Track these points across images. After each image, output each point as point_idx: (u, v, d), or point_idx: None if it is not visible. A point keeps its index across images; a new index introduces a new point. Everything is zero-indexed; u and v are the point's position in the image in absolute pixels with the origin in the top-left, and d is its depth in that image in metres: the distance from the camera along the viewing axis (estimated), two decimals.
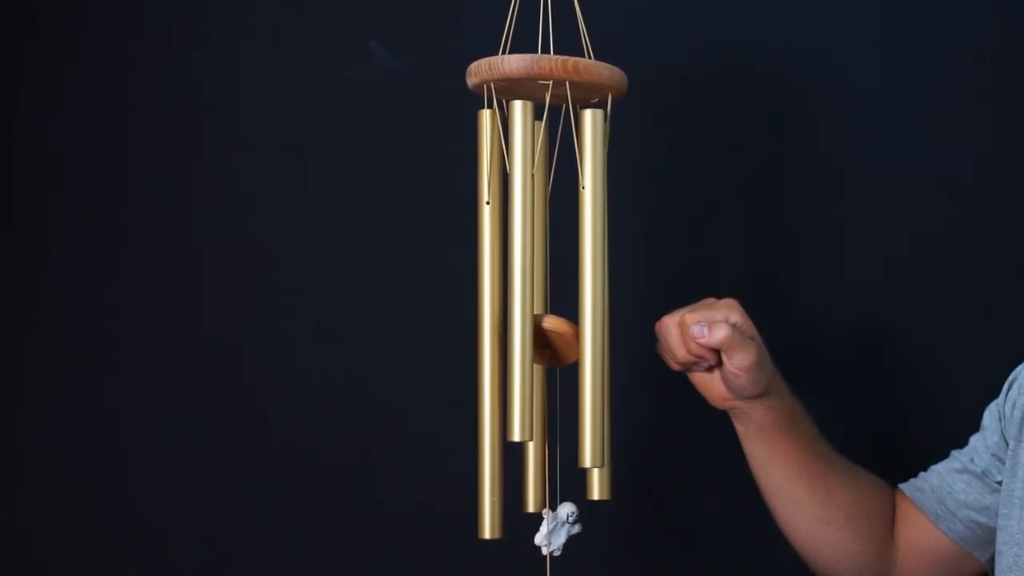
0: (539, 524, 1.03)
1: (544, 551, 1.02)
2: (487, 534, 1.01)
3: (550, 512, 1.03)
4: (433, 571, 1.39)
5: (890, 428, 1.37)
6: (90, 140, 1.42)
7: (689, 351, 1.06)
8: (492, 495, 1.00)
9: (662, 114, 1.38)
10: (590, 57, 1.00)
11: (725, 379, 1.08)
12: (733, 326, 1.04)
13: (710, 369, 1.10)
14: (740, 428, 1.13)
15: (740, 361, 1.04)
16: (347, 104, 1.41)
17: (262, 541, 1.40)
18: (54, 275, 1.42)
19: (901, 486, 1.17)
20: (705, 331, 1.04)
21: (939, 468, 1.15)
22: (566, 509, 1.04)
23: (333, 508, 1.39)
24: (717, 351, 1.06)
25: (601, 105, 1.00)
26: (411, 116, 1.40)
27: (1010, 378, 1.10)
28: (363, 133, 1.41)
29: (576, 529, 1.04)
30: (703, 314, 1.05)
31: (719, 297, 1.08)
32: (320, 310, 1.40)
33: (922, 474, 1.16)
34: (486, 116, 1.01)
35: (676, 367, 1.10)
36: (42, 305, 1.42)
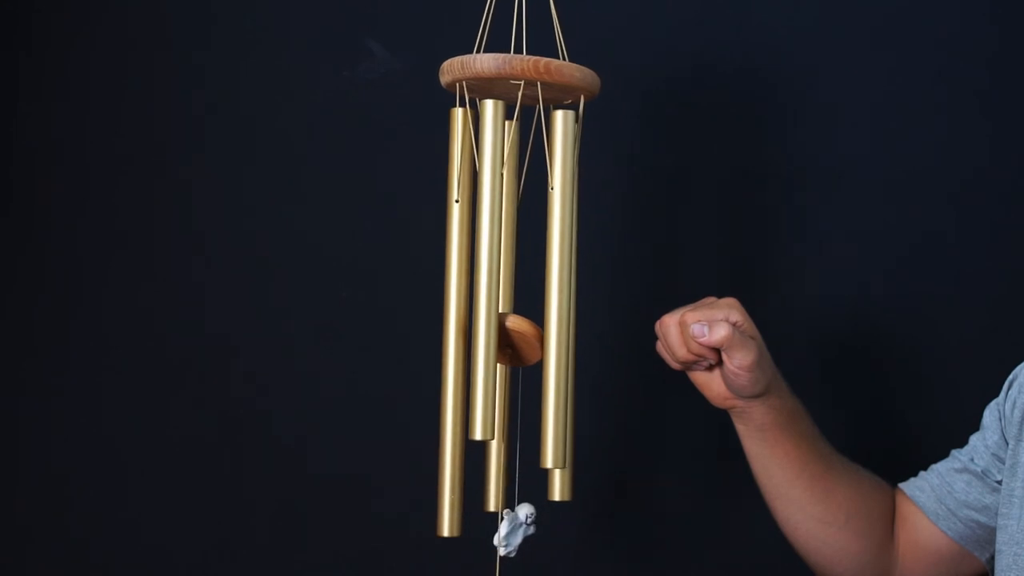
0: (498, 525, 1.03)
1: (500, 552, 1.02)
2: (445, 532, 1.01)
3: (510, 513, 1.03)
4: (432, 570, 1.39)
5: (890, 428, 1.37)
6: (89, 141, 1.42)
7: (689, 350, 1.06)
8: (452, 493, 1.01)
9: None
10: (564, 58, 1.00)
11: (725, 378, 1.08)
12: (734, 325, 1.04)
13: (710, 368, 1.10)
14: (740, 427, 1.12)
15: (741, 360, 1.04)
16: (347, 104, 1.41)
17: (259, 540, 1.40)
18: (53, 274, 1.42)
19: (901, 486, 1.17)
20: (705, 330, 1.04)
21: (939, 467, 1.15)
22: (525, 510, 1.04)
23: (331, 508, 1.39)
24: (717, 350, 1.06)
25: (573, 106, 1.00)
26: (412, 116, 1.40)
27: (1010, 377, 1.10)
28: (364, 133, 1.41)
29: (531, 531, 1.04)
30: (704, 313, 1.05)
31: (719, 296, 1.08)
32: (320, 310, 1.40)
33: (922, 473, 1.16)
34: (458, 114, 1.01)
35: (676, 366, 1.10)
36: (41, 304, 1.42)
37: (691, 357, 1.07)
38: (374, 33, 1.40)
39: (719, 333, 1.03)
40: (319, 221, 1.41)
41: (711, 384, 1.11)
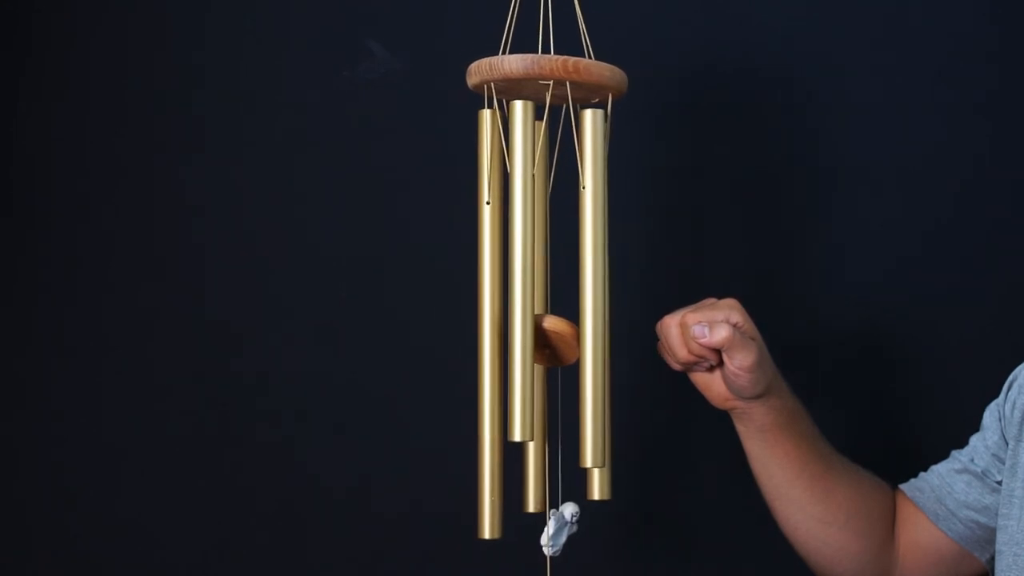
0: (541, 524, 1.03)
1: (547, 552, 1.02)
2: (486, 534, 1.01)
3: (556, 512, 1.03)
4: (432, 571, 1.39)
5: (890, 428, 1.37)
6: (89, 141, 1.42)
7: (690, 351, 1.06)
8: (492, 495, 1.00)
9: (663, 114, 1.38)
10: (590, 57, 1.00)
11: (726, 379, 1.08)
12: (734, 326, 1.04)
13: (711, 369, 1.10)
14: (741, 428, 1.13)
15: (741, 361, 1.04)
16: (347, 104, 1.40)
17: (259, 540, 1.40)
18: (52, 274, 1.42)
19: (901, 486, 1.17)
20: (706, 331, 1.04)
21: (939, 468, 1.15)
22: (570, 510, 1.04)
23: (332, 508, 1.39)
24: (718, 351, 1.06)
25: (601, 105, 1.00)
26: (412, 116, 1.40)
27: (1010, 378, 1.10)
28: (363, 133, 1.41)
29: (574, 529, 1.04)
30: (704, 314, 1.05)
31: (720, 297, 1.08)
32: (320, 310, 1.40)
33: (922, 474, 1.16)
34: (486, 116, 1.00)
35: (677, 367, 1.10)
36: (40, 303, 1.42)
37: (692, 358, 1.07)
38: (374, 33, 1.40)
39: (720, 334, 1.03)
40: (319, 221, 1.41)
41: (712, 385, 1.11)
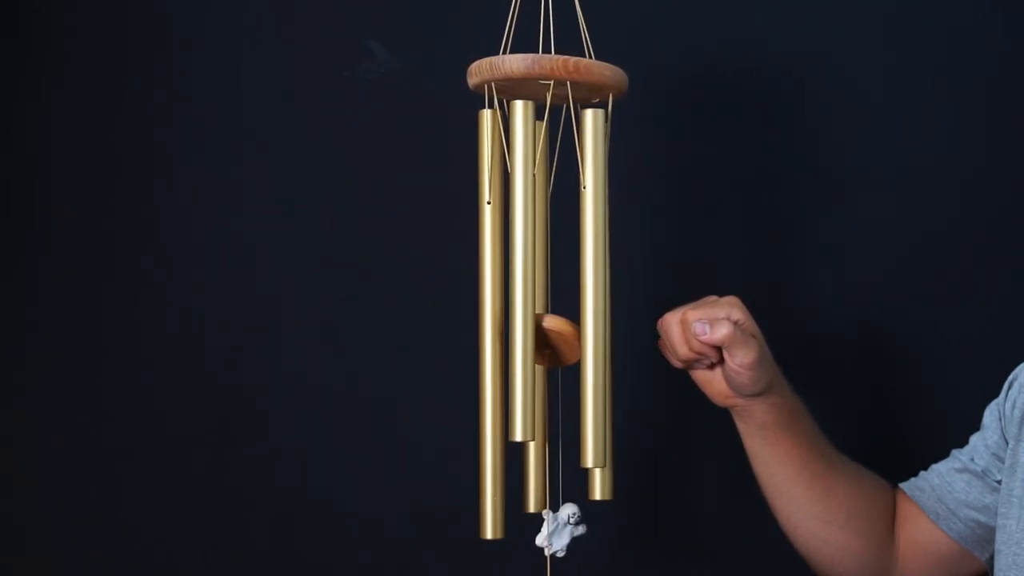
0: (540, 525, 1.03)
1: (546, 552, 1.02)
2: (488, 534, 1.01)
3: (551, 513, 1.03)
4: (434, 572, 1.38)
5: (890, 428, 1.37)
6: (89, 141, 1.42)
7: (691, 348, 1.06)
8: (494, 495, 1.00)
9: (663, 114, 1.38)
10: (591, 57, 1.00)
11: (727, 377, 1.08)
12: (735, 323, 1.04)
13: (712, 366, 1.10)
14: (741, 426, 1.12)
15: (742, 359, 1.04)
16: (347, 104, 1.41)
17: (258, 540, 1.39)
18: (51, 274, 1.42)
19: (901, 485, 1.17)
20: (707, 328, 1.04)
21: (939, 467, 1.15)
22: (567, 510, 1.04)
23: (332, 509, 1.39)
24: (719, 348, 1.06)
25: (602, 105, 1.00)
26: (412, 116, 1.40)
27: (1010, 377, 1.10)
28: (364, 133, 1.41)
29: (581, 530, 1.04)
30: (705, 311, 1.05)
31: (721, 295, 1.08)
32: (320, 311, 1.40)
33: (922, 473, 1.16)
34: (487, 116, 1.01)
35: (678, 364, 1.10)
36: (39, 304, 1.42)
37: (693, 355, 1.07)
38: (374, 33, 1.40)
39: (720, 331, 1.03)
40: (319, 221, 1.41)
41: (712, 382, 1.11)
